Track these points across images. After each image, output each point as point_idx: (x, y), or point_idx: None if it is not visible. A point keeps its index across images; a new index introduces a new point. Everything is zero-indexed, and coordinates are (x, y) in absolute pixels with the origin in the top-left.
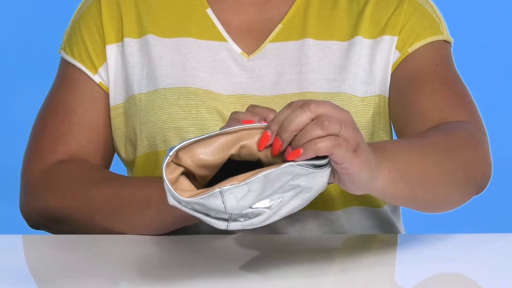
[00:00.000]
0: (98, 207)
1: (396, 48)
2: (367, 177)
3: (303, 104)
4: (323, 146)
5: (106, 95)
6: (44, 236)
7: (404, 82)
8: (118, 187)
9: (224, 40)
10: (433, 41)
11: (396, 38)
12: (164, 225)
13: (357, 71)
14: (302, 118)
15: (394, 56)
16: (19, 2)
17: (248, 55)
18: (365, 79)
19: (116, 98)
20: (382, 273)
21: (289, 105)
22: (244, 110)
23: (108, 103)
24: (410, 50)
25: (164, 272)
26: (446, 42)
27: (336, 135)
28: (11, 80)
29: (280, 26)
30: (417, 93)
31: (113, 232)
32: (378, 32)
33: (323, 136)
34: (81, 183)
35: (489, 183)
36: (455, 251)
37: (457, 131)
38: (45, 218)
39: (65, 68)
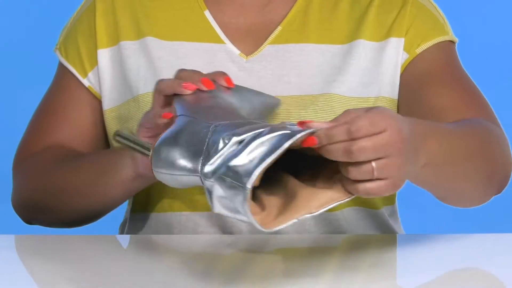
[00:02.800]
0: (61, 187)
1: (404, 49)
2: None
3: (348, 126)
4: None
5: (95, 98)
6: (36, 236)
7: (415, 82)
8: (77, 164)
9: (222, 42)
10: (439, 42)
11: (402, 39)
12: (126, 190)
13: (357, 73)
14: (340, 137)
15: (402, 58)
16: (19, 2)
17: (247, 56)
18: (366, 80)
19: (109, 102)
20: (381, 273)
21: (341, 120)
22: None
23: (96, 106)
24: (418, 51)
25: (162, 272)
26: (451, 42)
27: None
28: (11, 80)
29: (279, 28)
30: (432, 94)
31: (86, 210)
32: (384, 34)
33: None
34: (47, 167)
35: (507, 184)
36: (454, 251)
37: (485, 126)
38: (27, 208)
39: (60, 68)
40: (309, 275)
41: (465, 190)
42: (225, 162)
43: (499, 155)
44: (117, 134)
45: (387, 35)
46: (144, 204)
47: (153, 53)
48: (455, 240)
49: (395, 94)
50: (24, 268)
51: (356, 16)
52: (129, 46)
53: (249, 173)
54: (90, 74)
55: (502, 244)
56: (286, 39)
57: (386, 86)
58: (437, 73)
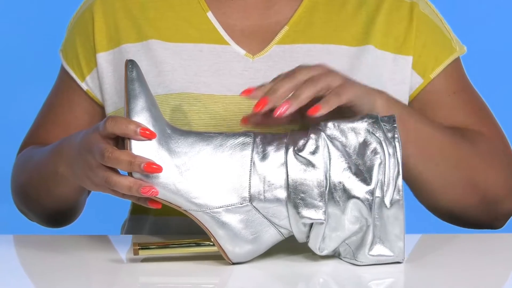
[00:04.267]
0: (26, 188)
1: (416, 71)
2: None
3: (287, 74)
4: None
5: (92, 102)
6: (36, 236)
7: (428, 108)
8: (37, 161)
9: (226, 43)
10: (450, 62)
11: (410, 58)
12: (76, 192)
13: (364, 78)
14: (287, 85)
15: (416, 81)
16: (19, 2)
17: (253, 55)
18: (376, 87)
19: (111, 106)
20: (382, 273)
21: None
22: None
23: (92, 110)
24: (432, 76)
25: (163, 272)
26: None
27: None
28: (10, 80)
29: (286, 28)
30: (443, 119)
31: (52, 206)
32: (391, 45)
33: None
34: (24, 161)
35: (509, 214)
36: (455, 251)
37: (485, 144)
38: (16, 204)
39: (61, 70)
40: (309, 274)
41: (433, 185)
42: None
43: (483, 171)
44: (140, 248)
45: (393, 48)
46: (144, 207)
47: (156, 56)
48: (455, 240)
49: None
50: (23, 268)
51: (363, 19)
52: (131, 49)
53: None
54: (88, 78)
55: (502, 244)
56: (293, 39)
57: None
58: (448, 101)
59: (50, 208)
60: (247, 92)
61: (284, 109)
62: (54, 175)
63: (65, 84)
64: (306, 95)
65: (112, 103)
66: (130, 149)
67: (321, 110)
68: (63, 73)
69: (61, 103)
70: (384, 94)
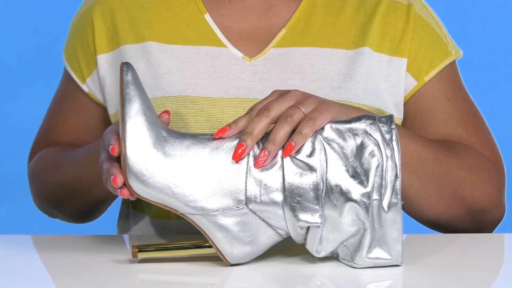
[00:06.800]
0: (66, 184)
1: (410, 73)
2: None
3: (258, 113)
4: (307, 132)
5: (93, 104)
6: (36, 236)
7: (421, 111)
8: (71, 163)
9: (224, 45)
10: (445, 66)
11: (405, 60)
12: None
13: (363, 81)
14: (262, 124)
15: (410, 83)
16: (19, 2)
17: (250, 58)
18: (369, 88)
19: (112, 107)
20: (380, 275)
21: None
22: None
23: (94, 112)
24: (426, 79)
25: (159, 269)
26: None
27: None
28: (11, 81)
29: (283, 31)
30: (436, 125)
31: (84, 205)
32: (387, 47)
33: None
34: (51, 164)
35: (496, 223)
36: (455, 251)
37: (473, 156)
38: (42, 207)
39: (64, 70)
40: (309, 274)
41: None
42: None
43: (470, 183)
44: (139, 250)
45: (388, 50)
46: (140, 206)
47: (154, 58)
48: (455, 240)
49: (400, 115)
50: (22, 268)
51: (361, 21)
52: (128, 50)
53: None
54: (89, 80)
55: (502, 244)
56: (290, 42)
57: (388, 104)
58: (439, 114)
59: (86, 205)
60: (222, 131)
61: (263, 160)
62: (94, 174)
63: (69, 86)
64: (280, 138)
65: (113, 104)
66: (125, 153)
67: (296, 146)
68: (66, 74)
69: (68, 107)
70: (363, 111)
